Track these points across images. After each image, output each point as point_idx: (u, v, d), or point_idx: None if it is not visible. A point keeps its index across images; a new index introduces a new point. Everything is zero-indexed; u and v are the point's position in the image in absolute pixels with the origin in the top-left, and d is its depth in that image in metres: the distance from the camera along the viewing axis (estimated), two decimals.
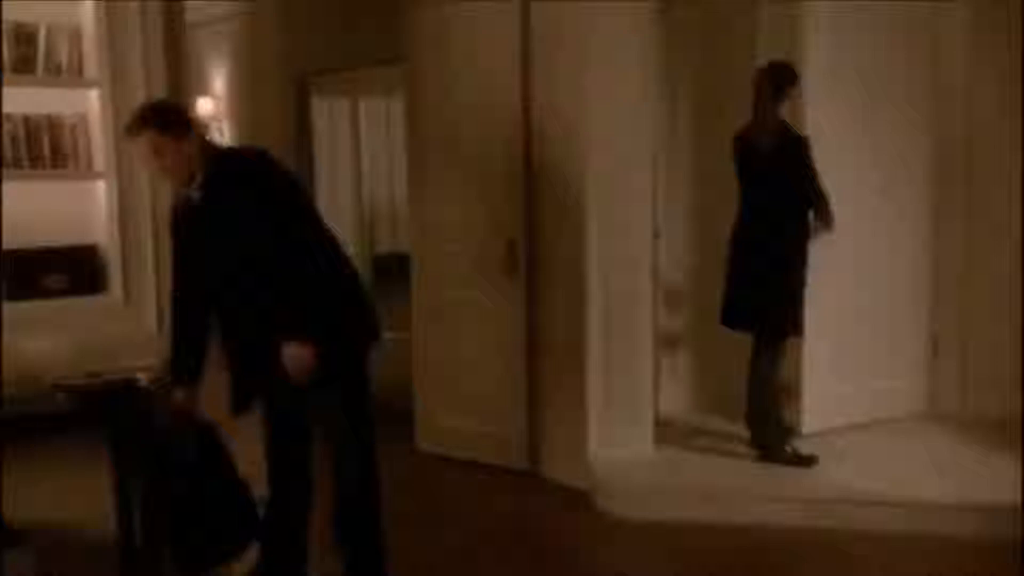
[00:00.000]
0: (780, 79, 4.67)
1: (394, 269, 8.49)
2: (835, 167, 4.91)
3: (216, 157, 3.34)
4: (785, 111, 4.71)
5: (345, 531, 3.58)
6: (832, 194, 4.70)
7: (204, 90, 8.88)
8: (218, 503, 3.45)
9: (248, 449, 3.52)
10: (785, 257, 4.72)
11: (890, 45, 5.32)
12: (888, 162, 5.39)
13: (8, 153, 3.72)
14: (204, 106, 8.80)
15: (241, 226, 3.25)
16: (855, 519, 4.31)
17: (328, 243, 3.43)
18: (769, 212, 4.71)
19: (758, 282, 4.73)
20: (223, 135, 8.90)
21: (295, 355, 3.23)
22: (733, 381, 5.07)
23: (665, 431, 5.21)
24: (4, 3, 3.72)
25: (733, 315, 4.87)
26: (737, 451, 5.01)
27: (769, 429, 4.86)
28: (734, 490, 4.63)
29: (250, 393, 3.41)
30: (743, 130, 4.82)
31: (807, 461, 4.77)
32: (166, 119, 3.25)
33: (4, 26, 3.71)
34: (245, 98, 8.32)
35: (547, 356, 5.01)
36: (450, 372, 5.30)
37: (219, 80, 8.84)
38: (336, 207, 8.17)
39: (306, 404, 3.46)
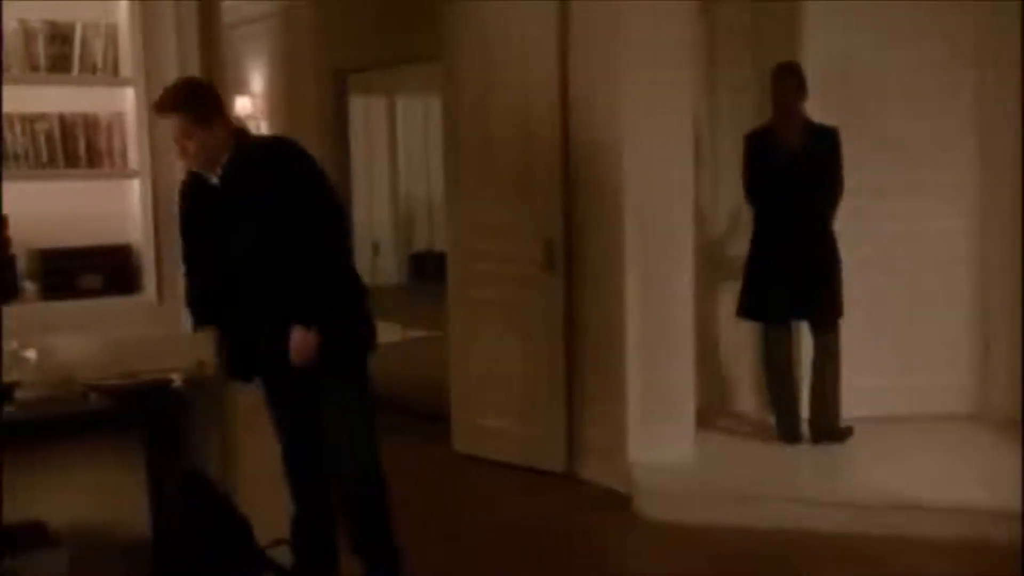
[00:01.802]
0: (800, 77, 4.82)
1: (430, 268, 8.49)
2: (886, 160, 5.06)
3: (243, 144, 3.36)
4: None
5: (352, 536, 3.54)
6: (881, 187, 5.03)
7: (242, 89, 8.91)
8: (212, 544, 3.51)
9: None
10: (830, 246, 4.87)
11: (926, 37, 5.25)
12: (941, 152, 5.34)
13: (44, 153, 3.70)
14: (242, 105, 8.83)
15: (260, 208, 3.26)
16: (895, 524, 4.20)
17: (344, 241, 3.44)
18: (804, 205, 4.83)
19: (811, 274, 4.86)
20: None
21: (300, 339, 3.26)
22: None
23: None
24: (40, 2, 3.71)
25: (773, 308, 4.96)
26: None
27: (830, 411, 4.96)
28: (772, 493, 4.54)
29: (251, 363, 3.44)
30: (761, 128, 4.94)
31: (850, 432, 4.99)
32: (198, 105, 3.27)
33: (39, 26, 3.70)
34: (282, 97, 8.33)
35: (585, 356, 4.96)
36: (486, 372, 5.25)
37: (257, 79, 8.87)
38: (373, 205, 8.17)
39: (308, 401, 3.45)
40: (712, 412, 5.45)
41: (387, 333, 7.88)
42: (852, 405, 5.10)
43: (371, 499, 3.52)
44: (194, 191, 3.46)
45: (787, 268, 4.85)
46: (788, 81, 4.83)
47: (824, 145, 4.82)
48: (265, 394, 3.59)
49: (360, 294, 3.50)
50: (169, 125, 3.27)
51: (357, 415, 3.48)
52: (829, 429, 4.98)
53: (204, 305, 3.48)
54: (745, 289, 5.00)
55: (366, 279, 7.42)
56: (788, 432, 5.01)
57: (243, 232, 3.30)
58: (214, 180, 3.37)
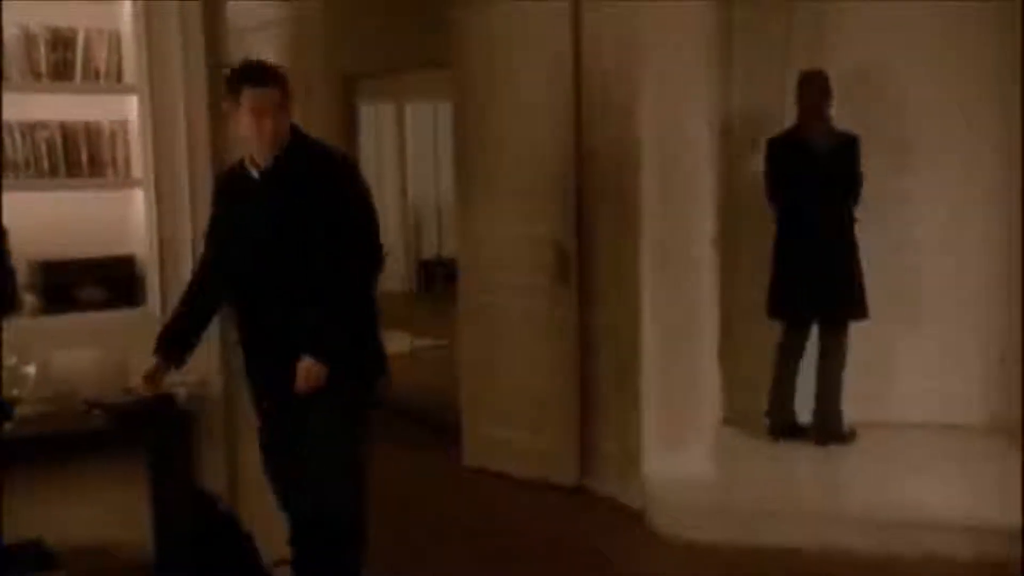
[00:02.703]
0: (826, 82, 4.93)
1: (440, 275, 8.41)
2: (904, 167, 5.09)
3: (299, 143, 3.28)
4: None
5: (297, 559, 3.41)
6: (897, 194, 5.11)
7: None
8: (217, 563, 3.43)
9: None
10: (852, 246, 4.96)
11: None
12: (959, 161, 5.29)
13: (45, 162, 3.62)
14: None
15: (295, 215, 3.17)
16: (919, 542, 4.08)
17: (372, 276, 3.33)
18: (829, 206, 4.91)
19: (835, 271, 4.94)
20: None
21: (307, 371, 3.16)
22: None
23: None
24: (42, 7, 3.63)
25: (801, 307, 5.05)
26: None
27: (834, 411, 5.03)
28: (792, 510, 4.44)
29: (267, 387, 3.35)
30: (784, 133, 4.99)
31: (853, 435, 5.07)
32: (287, 84, 3.25)
33: (41, 31, 3.62)
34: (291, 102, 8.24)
35: (599, 367, 4.86)
36: (498, 383, 5.16)
37: None
38: (382, 212, 8.07)
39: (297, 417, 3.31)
40: (726, 422, 5.34)
41: (395, 342, 7.84)
42: (864, 410, 5.12)
43: (328, 545, 3.32)
44: (231, 186, 3.37)
45: (812, 267, 4.94)
46: (815, 85, 4.94)
47: (848, 150, 4.93)
48: (254, 399, 3.46)
49: (373, 325, 3.37)
50: (255, 97, 3.15)
51: (332, 447, 3.28)
52: (835, 431, 5.03)
53: (184, 324, 3.36)
54: (773, 290, 5.05)
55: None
56: (779, 427, 5.13)
57: (271, 232, 3.20)
58: (255, 174, 3.25)
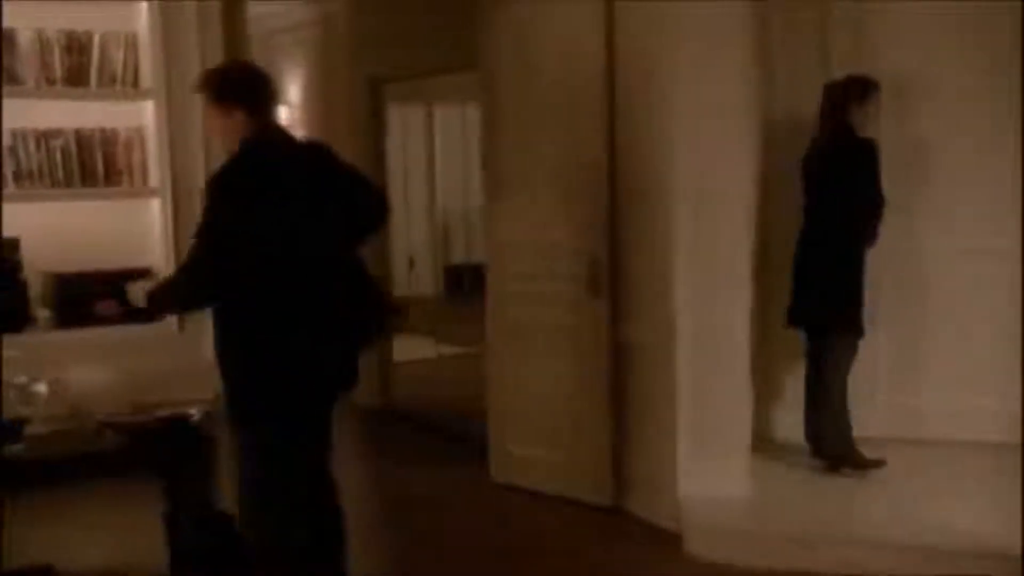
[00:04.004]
0: (837, 92, 4.74)
1: (467, 280, 8.28)
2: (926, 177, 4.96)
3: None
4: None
5: None
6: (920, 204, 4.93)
7: (280, 97, 8.75)
8: None
9: None
10: (843, 258, 4.73)
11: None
12: (981, 171, 5.13)
13: (59, 170, 3.51)
14: (278, 114, 8.67)
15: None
16: (965, 568, 3.84)
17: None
18: (815, 214, 4.79)
19: (816, 281, 4.77)
20: None
21: None
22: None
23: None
24: (57, 9, 3.53)
25: (797, 314, 4.88)
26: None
27: (840, 435, 4.77)
28: (832, 534, 4.25)
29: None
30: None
31: (877, 463, 4.74)
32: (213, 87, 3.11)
33: (56, 35, 3.51)
34: (318, 106, 8.16)
35: (632, 381, 4.68)
36: (527, 397, 4.99)
37: (293, 88, 8.71)
38: (409, 216, 7.98)
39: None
40: (764, 440, 5.15)
41: (421, 349, 7.70)
42: (891, 426, 4.99)
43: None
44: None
45: (795, 275, 4.86)
46: (827, 93, 4.77)
47: (850, 156, 4.68)
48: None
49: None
50: None
51: (245, 469, 3.11)
52: (833, 454, 4.79)
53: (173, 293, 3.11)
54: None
55: (401, 292, 7.14)
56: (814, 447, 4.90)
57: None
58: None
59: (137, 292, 3.07)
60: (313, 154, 3.23)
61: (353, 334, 3.17)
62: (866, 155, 4.65)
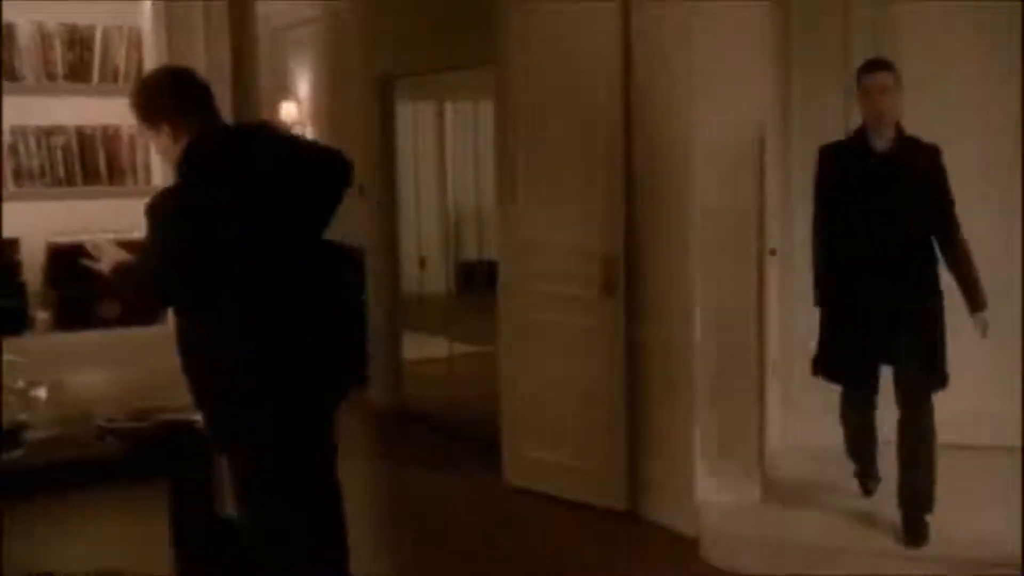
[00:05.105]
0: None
1: (479, 278, 8.19)
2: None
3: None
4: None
5: None
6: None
7: (288, 94, 8.68)
8: None
9: None
10: (937, 292, 4.05)
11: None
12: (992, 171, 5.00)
13: (60, 168, 3.43)
14: (288, 110, 8.61)
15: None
16: None
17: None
18: (905, 238, 4.02)
19: (919, 324, 4.01)
20: None
21: None
22: None
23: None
24: (58, 3, 3.43)
25: (862, 367, 4.16)
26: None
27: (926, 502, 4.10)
28: (853, 545, 4.14)
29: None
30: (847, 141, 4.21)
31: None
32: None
33: (57, 29, 3.42)
34: (328, 102, 8.09)
35: (648, 384, 4.60)
36: (541, 399, 4.92)
37: (303, 84, 8.64)
38: (420, 212, 7.91)
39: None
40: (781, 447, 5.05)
41: (433, 348, 7.62)
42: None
43: None
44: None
45: (886, 317, 4.02)
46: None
47: (933, 166, 4.03)
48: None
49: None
50: None
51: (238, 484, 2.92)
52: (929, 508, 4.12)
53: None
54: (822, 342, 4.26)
55: (412, 290, 7.04)
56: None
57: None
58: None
59: (106, 250, 2.86)
60: (254, 142, 2.90)
61: (333, 365, 2.91)
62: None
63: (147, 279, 2.76)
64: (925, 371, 4.00)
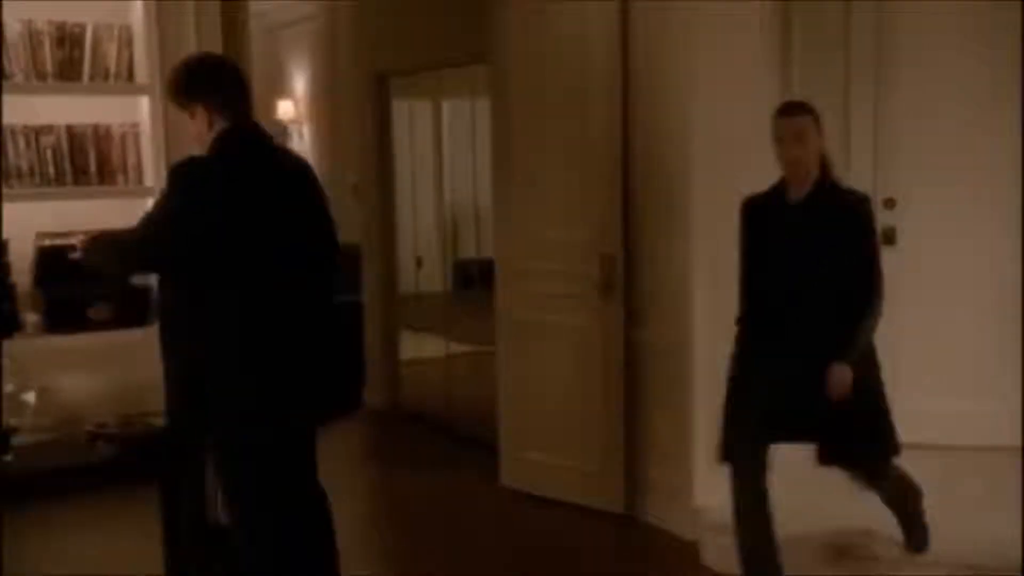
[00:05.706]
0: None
1: (476, 276, 8.14)
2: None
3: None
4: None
5: None
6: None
7: (284, 92, 8.66)
8: None
9: None
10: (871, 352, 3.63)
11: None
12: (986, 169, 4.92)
13: (50, 168, 3.38)
14: (284, 109, 8.59)
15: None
16: None
17: None
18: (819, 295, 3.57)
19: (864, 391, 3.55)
20: (302, 138, 8.67)
21: None
22: None
23: None
24: (48, 2, 3.39)
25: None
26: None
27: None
28: (858, 550, 4.09)
29: None
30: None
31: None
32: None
33: (46, 27, 3.37)
34: (324, 100, 8.06)
35: (647, 386, 4.57)
36: (538, 401, 4.88)
37: (299, 82, 8.61)
38: (416, 210, 7.88)
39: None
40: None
41: (429, 347, 7.59)
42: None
43: None
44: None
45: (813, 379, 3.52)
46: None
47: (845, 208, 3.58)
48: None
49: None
50: None
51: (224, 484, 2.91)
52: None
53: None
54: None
55: (408, 289, 7.03)
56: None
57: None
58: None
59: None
60: (295, 168, 2.94)
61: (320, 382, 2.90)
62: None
63: (135, 234, 2.73)
64: (866, 442, 3.62)
